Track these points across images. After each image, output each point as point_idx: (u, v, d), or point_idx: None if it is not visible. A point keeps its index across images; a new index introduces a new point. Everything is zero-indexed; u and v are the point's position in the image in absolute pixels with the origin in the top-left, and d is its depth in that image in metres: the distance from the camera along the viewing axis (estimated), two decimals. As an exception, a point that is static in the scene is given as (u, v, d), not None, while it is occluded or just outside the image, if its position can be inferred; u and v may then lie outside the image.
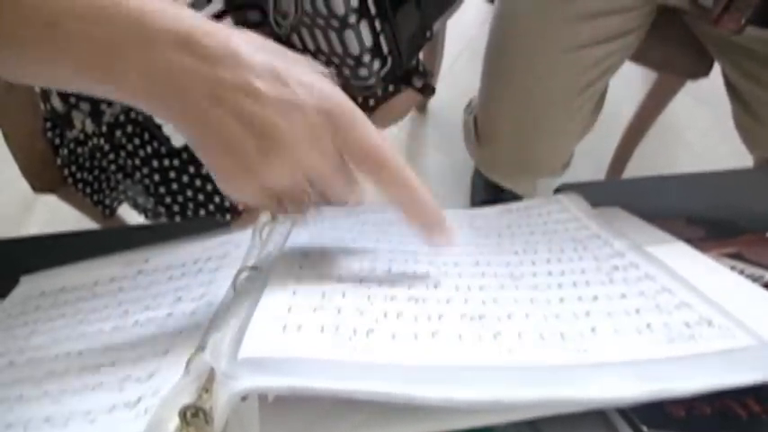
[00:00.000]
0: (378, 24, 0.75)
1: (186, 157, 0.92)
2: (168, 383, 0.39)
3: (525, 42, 0.98)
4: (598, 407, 0.37)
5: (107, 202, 0.99)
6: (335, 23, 0.73)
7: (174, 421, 0.35)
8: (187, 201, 0.94)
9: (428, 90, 1.01)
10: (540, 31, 0.97)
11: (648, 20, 1.01)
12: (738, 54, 0.98)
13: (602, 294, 0.46)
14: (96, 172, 0.97)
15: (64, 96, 0.91)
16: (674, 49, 1.11)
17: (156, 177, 0.92)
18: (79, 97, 0.91)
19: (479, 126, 1.11)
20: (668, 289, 0.46)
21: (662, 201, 0.67)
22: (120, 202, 1.02)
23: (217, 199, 0.94)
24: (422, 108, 1.78)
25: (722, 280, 0.49)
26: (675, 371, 0.36)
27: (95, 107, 0.91)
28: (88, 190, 0.98)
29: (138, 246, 0.64)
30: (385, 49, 0.77)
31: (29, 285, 0.63)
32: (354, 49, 0.76)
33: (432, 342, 0.39)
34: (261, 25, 0.80)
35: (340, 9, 0.72)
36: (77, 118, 0.92)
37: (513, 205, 0.68)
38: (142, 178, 0.93)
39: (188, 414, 0.35)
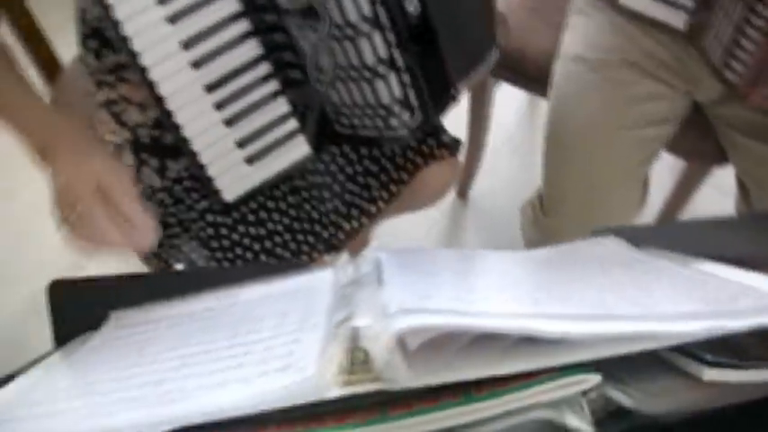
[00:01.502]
0: (405, 78, 0.83)
1: (237, 217, 1.00)
2: (312, 354, 0.45)
3: (586, 122, 1.13)
4: (678, 341, 0.43)
5: (164, 256, 1.06)
6: (367, 74, 0.82)
7: (335, 366, 0.42)
8: (236, 258, 1.00)
9: (456, 145, 1.08)
10: (599, 113, 1.11)
11: (685, 112, 1.15)
12: (751, 161, 1.12)
13: (667, 283, 0.53)
14: (159, 227, 1.04)
15: (136, 152, 1.01)
16: (700, 138, 1.22)
17: (210, 231, 0.99)
18: (150, 154, 1.00)
19: (546, 200, 1.21)
20: (727, 281, 0.52)
21: (692, 244, 0.72)
22: (177, 260, 1.10)
23: (263, 257, 1.01)
24: (462, 194, 1.86)
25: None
26: (733, 313, 0.43)
27: (162, 163, 1.00)
28: None
29: (210, 288, 0.68)
30: (413, 101, 0.85)
31: (120, 320, 0.67)
32: (385, 98, 0.84)
33: (538, 308, 0.47)
34: (303, 83, 0.89)
35: (370, 59, 0.81)
36: (145, 173, 1.01)
37: (561, 246, 0.73)
38: (198, 232, 1.00)
39: (353, 355, 0.42)
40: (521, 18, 1.37)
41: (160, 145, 1.00)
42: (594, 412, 0.44)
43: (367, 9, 0.78)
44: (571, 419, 0.42)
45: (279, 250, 1.02)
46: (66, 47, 1.26)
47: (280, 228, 1.02)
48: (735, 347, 0.44)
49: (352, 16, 0.79)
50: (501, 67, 1.36)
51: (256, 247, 1.00)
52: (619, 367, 0.44)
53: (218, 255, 1.00)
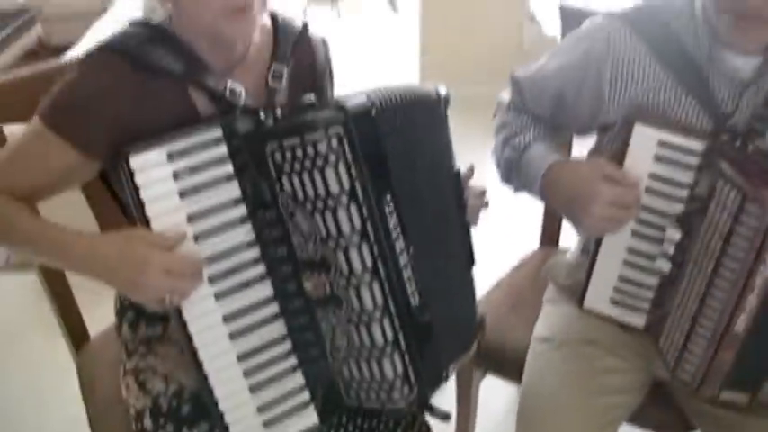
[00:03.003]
0: (407, 358, 1.05)
1: None
2: None
3: (550, 390, 1.30)
4: None
5: None
6: (376, 353, 1.04)
7: None
8: None
9: (446, 416, 1.22)
10: (562, 382, 1.30)
11: (646, 384, 1.34)
12: (718, 427, 1.28)
13: None
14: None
15: (154, 418, 1.17)
16: (664, 409, 1.37)
17: None
18: (167, 420, 1.16)
19: None
20: None
21: None
22: None
23: None
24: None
25: None
26: None
27: (178, 430, 1.15)
28: None
29: None
30: (412, 378, 1.06)
31: None
32: (389, 374, 1.05)
33: None
34: (318, 359, 1.09)
35: (380, 342, 1.03)
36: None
37: None
38: None
39: None
40: (501, 315, 1.62)
41: (177, 414, 1.17)
42: None
43: (380, 301, 1.02)
44: None
45: None
46: (94, 321, 1.49)
47: None
48: None
49: (368, 305, 1.02)
50: (484, 358, 1.58)
51: None
52: None
53: None
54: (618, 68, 1.24)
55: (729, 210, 1.06)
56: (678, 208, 1.16)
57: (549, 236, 1.85)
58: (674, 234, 1.16)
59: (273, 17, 1.22)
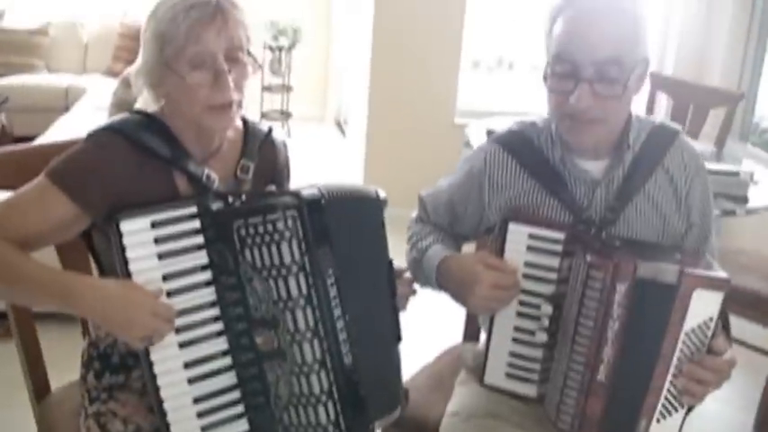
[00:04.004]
0: (339, 407, 1.26)
1: None
2: None
3: None
4: None
5: None
6: (313, 401, 1.25)
7: None
8: None
9: None
10: None
11: None
12: None
13: None
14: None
15: None
16: None
17: None
18: None
19: None
20: None
21: None
22: None
23: None
24: None
25: None
26: None
27: None
28: None
29: None
30: (342, 426, 1.26)
31: None
32: (323, 420, 1.25)
33: None
34: (261, 407, 1.29)
35: (317, 390, 1.25)
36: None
37: None
38: None
39: None
40: (423, 395, 1.83)
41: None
42: None
43: (319, 355, 1.24)
44: None
45: None
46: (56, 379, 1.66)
47: None
48: None
49: (309, 358, 1.24)
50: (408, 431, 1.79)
51: None
52: None
53: None
54: (494, 180, 1.57)
55: (581, 279, 1.34)
56: (550, 288, 1.43)
57: (470, 332, 2.09)
58: (547, 309, 1.42)
59: (244, 120, 1.49)
